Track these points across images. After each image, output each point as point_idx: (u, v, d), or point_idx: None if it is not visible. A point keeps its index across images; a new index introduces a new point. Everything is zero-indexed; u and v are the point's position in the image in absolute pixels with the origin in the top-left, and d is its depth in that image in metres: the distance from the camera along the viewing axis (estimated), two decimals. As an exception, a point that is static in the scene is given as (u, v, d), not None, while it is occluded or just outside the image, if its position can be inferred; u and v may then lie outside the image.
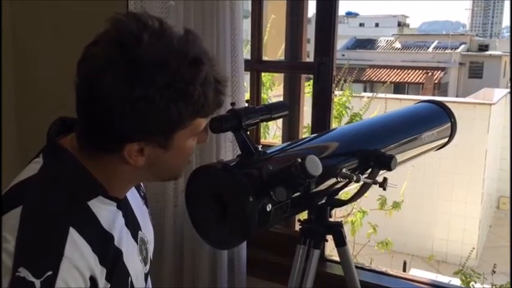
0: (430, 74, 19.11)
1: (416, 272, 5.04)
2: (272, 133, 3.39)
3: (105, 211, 0.90)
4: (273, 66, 2.37)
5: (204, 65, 0.83)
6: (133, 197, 1.04)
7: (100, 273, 0.85)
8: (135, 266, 0.96)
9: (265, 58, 2.17)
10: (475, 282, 2.98)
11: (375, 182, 1.25)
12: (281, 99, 2.25)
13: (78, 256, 0.81)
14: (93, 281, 0.83)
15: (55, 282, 0.77)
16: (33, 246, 0.79)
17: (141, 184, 1.13)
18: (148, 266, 1.03)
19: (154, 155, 0.86)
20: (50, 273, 0.77)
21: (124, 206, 0.96)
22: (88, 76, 0.81)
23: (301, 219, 1.39)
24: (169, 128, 0.84)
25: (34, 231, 0.80)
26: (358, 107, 3.78)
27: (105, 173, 0.89)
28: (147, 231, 1.05)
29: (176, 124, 0.84)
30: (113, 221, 0.91)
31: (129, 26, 0.80)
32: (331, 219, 1.38)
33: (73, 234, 0.82)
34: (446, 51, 21.18)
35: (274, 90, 3.30)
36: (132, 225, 0.98)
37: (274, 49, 3.31)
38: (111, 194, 0.91)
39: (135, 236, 0.98)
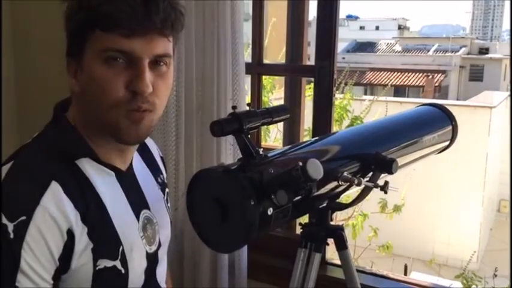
0: (430, 77, 19.13)
1: (417, 276, 5.04)
2: (273, 136, 3.40)
3: (96, 174, 0.90)
4: (273, 70, 2.37)
5: None
6: (145, 177, 1.05)
7: (81, 229, 0.84)
8: (132, 240, 0.95)
9: (266, 61, 2.17)
10: (477, 286, 2.98)
11: (376, 186, 1.25)
12: (282, 102, 2.26)
13: (55, 207, 0.81)
14: (71, 235, 0.83)
15: (27, 228, 0.78)
16: (13, 193, 0.80)
17: (162, 173, 1.14)
18: (154, 247, 1.02)
19: (81, 79, 0.87)
20: (23, 218, 0.78)
21: (126, 180, 0.97)
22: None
23: (302, 223, 1.39)
24: (73, 36, 0.87)
25: (16, 181, 0.82)
26: (359, 110, 3.78)
27: (91, 129, 0.91)
28: (158, 214, 1.05)
29: (76, 30, 0.86)
30: (108, 186, 0.92)
31: None
32: (332, 223, 1.37)
33: (54, 188, 0.82)
34: (447, 54, 21.21)
35: (275, 93, 3.30)
36: (135, 200, 0.98)
37: (275, 52, 3.31)
38: (109, 161, 0.93)
39: (137, 212, 0.98)
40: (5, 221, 0.77)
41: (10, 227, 0.77)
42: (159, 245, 1.05)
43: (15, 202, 0.79)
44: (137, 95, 0.84)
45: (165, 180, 1.15)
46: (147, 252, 0.99)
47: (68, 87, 0.91)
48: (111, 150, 0.93)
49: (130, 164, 1.00)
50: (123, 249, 0.92)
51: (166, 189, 1.15)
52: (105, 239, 0.89)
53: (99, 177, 0.90)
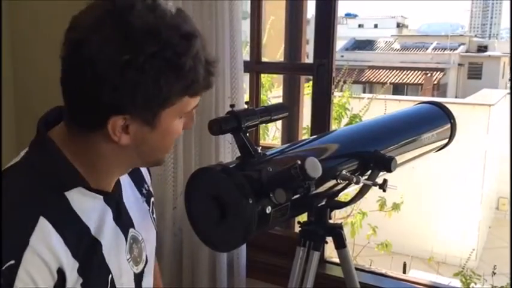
0: (429, 75, 19.14)
1: (416, 274, 5.04)
2: (271, 134, 3.39)
3: (86, 204, 0.87)
4: (272, 68, 2.36)
5: (196, 40, 0.81)
6: (130, 193, 1.01)
7: (72, 266, 0.82)
8: (120, 265, 0.93)
9: (264, 59, 2.17)
10: (475, 284, 2.98)
11: (375, 184, 1.25)
12: (280, 100, 2.25)
13: (45, 247, 0.78)
14: (62, 274, 0.80)
15: (17, 272, 0.75)
16: (0, 234, 0.77)
17: (146, 182, 1.10)
18: (141, 266, 1.00)
19: (140, 133, 0.83)
20: (12, 262, 0.75)
21: (114, 200, 0.93)
22: (75, 39, 0.78)
23: (301, 221, 1.39)
24: (157, 102, 0.81)
25: (2, 218, 0.78)
26: (358, 108, 3.77)
27: (89, 160, 0.87)
28: (143, 229, 1.02)
29: (164, 99, 0.81)
30: (96, 214, 0.88)
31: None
32: (330, 221, 1.37)
33: (43, 225, 0.79)
34: (445, 52, 21.22)
35: (273, 92, 3.30)
36: (123, 221, 0.95)
37: (274, 50, 3.30)
38: (97, 187, 0.89)
39: (125, 233, 0.95)
40: None
41: None
42: (146, 262, 1.02)
43: (4, 245, 0.76)
44: None
45: (150, 189, 1.11)
46: (134, 273, 0.97)
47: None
48: (104, 175, 0.90)
49: (116, 183, 0.97)
50: (112, 278, 0.90)
51: (152, 199, 1.10)
52: (95, 271, 0.87)
53: (88, 205, 0.87)
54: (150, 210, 1.08)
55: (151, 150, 0.89)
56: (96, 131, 0.83)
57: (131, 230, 0.98)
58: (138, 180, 1.06)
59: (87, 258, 0.85)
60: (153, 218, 1.09)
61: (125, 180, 1.01)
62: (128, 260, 0.96)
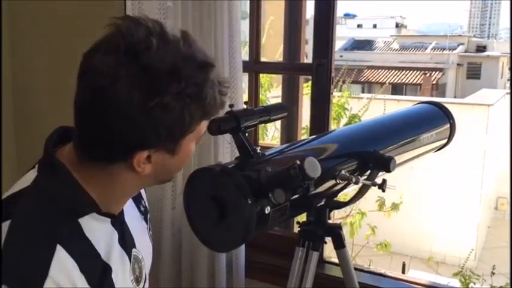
0: (428, 75, 19.16)
1: (415, 274, 5.04)
2: (270, 134, 3.39)
3: (96, 228, 0.87)
4: (271, 68, 2.36)
5: (212, 68, 0.83)
6: (130, 212, 1.01)
7: None
8: (126, 286, 0.94)
9: (263, 59, 2.17)
10: (474, 284, 2.98)
11: (374, 184, 1.25)
12: (279, 100, 2.25)
13: (64, 276, 0.79)
14: None
15: None
16: (18, 264, 0.77)
17: (143, 198, 1.11)
18: (142, 284, 1.01)
19: (161, 161, 0.85)
20: None
21: (119, 222, 0.94)
22: (96, 86, 0.78)
23: (300, 221, 1.39)
24: (181, 132, 0.83)
25: (19, 248, 0.78)
26: (357, 108, 3.78)
27: (103, 186, 0.87)
28: (142, 248, 1.02)
29: (187, 128, 0.83)
30: (105, 238, 0.89)
31: (134, 31, 0.78)
32: (330, 221, 1.37)
33: (60, 253, 0.79)
34: (444, 52, 21.23)
35: (272, 92, 3.30)
36: (126, 242, 0.96)
37: (273, 50, 3.30)
38: (105, 211, 0.89)
39: (128, 254, 0.96)
40: None
41: None
42: (145, 280, 1.03)
43: (23, 275, 0.77)
44: None
45: (146, 205, 1.11)
46: None
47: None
48: (118, 200, 0.92)
49: None
50: None
51: (148, 215, 1.11)
52: None
53: (98, 230, 0.88)
54: (148, 227, 1.09)
55: (168, 173, 0.92)
56: (119, 164, 0.84)
57: (133, 250, 0.99)
58: (137, 197, 1.06)
59: (100, 284, 0.86)
60: (150, 234, 1.10)
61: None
62: (132, 280, 0.97)
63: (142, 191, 1.11)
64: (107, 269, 0.88)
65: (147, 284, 1.04)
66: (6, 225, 0.79)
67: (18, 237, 0.79)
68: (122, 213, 0.96)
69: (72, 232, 0.84)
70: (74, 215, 0.85)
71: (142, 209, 1.08)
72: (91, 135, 0.82)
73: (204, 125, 0.88)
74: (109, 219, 0.90)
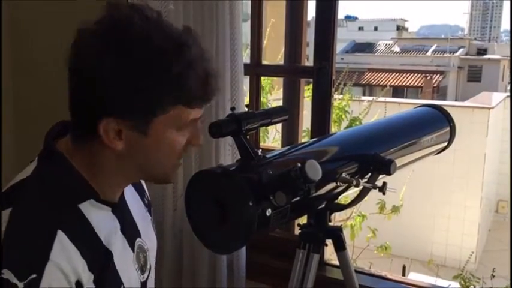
0: (428, 77, 19.14)
1: (415, 276, 5.03)
2: (271, 137, 3.40)
3: (97, 215, 0.89)
4: (272, 70, 2.37)
5: (189, 49, 0.83)
6: (135, 203, 1.03)
7: (88, 278, 0.84)
8: (130, 275, 0.95)
9: (264, 62, 2.17)
10: (475, 286, 2.98)
11: (375, 187, 1.25)
12: (280, 103, 2.25)
13: (65, 260, 0.80)
14: (80, 286, 0.82)
15: (39, 286, 0.77)
16: (19, 248, 0.78)
17: (146, 192, 1.12)
18: (147, 274, 1.02)
19: (133, 139, 0.85)
20: (34, 276, 0.77)
21: (120, 211, 0.95)
22: (78, 53, 0.84)
23: (301, 224, 1.39)
24: (147, 107, 0.83)
25: (21, 233, 0.80)
26: (358, 111, 3.78)
27: (93, 171, 0.89)
28: (148, 238, 1.04)
29: (154, 104, 0.83)
30: (105, 225, 0.90)
31: (124, 11, 0.83)
32: (330, 224, 1.38)
33: (61, 238, 0.81)
34: (445, 55, 21.23)
35: (273, 94, 3.30)
36: (130, 231, 0.97)
37: (274, 53, 3.31)
38: (104, 198, 0.91)
39: (132, 243, 0.97)
40: (15, 280, 0.75)
41: (20, 285, 0.75)
42: (150, 270, 1.04)
43: (24, 259, 0.78)
44: (187, 149, 0.93)
45: (149, 199, 1.13)
46: (141, 281, 0.99)
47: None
48: (107, 186, 0.92)
49: (121, 193, 0.99)
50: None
51: (152, 208, 1.13)
52: (109, 282, 0.89)
53: (98, 217, 0.89)
54: (151, 219, 1.11)
55: (147, 160, 0.90)
56: (93, 138, 0.85)
57: (138, 239, 1.00)
58: (140, 191, 1.09)
59: (102, 270, 0.87)
60: (153, 226, 1.12)
61: (129, 191, 1.03)
62: (136, 269, 0.98)
63: (144, 185, 1.12)
64: (108, 254, 0.89)
65: (152, 274, 1.05)
66: (7, 213, 0.81)
67: (19, 223, 0.80)
68: (123, 202, 0.98)
69: (73, 218, 0.85)
70: (74, 201, 0.87)
71: (146, 201, 1.10)
72: (70, 103, 0.87)
73: (182, 112, 0.86)
74: (109, 208, 0.92)
